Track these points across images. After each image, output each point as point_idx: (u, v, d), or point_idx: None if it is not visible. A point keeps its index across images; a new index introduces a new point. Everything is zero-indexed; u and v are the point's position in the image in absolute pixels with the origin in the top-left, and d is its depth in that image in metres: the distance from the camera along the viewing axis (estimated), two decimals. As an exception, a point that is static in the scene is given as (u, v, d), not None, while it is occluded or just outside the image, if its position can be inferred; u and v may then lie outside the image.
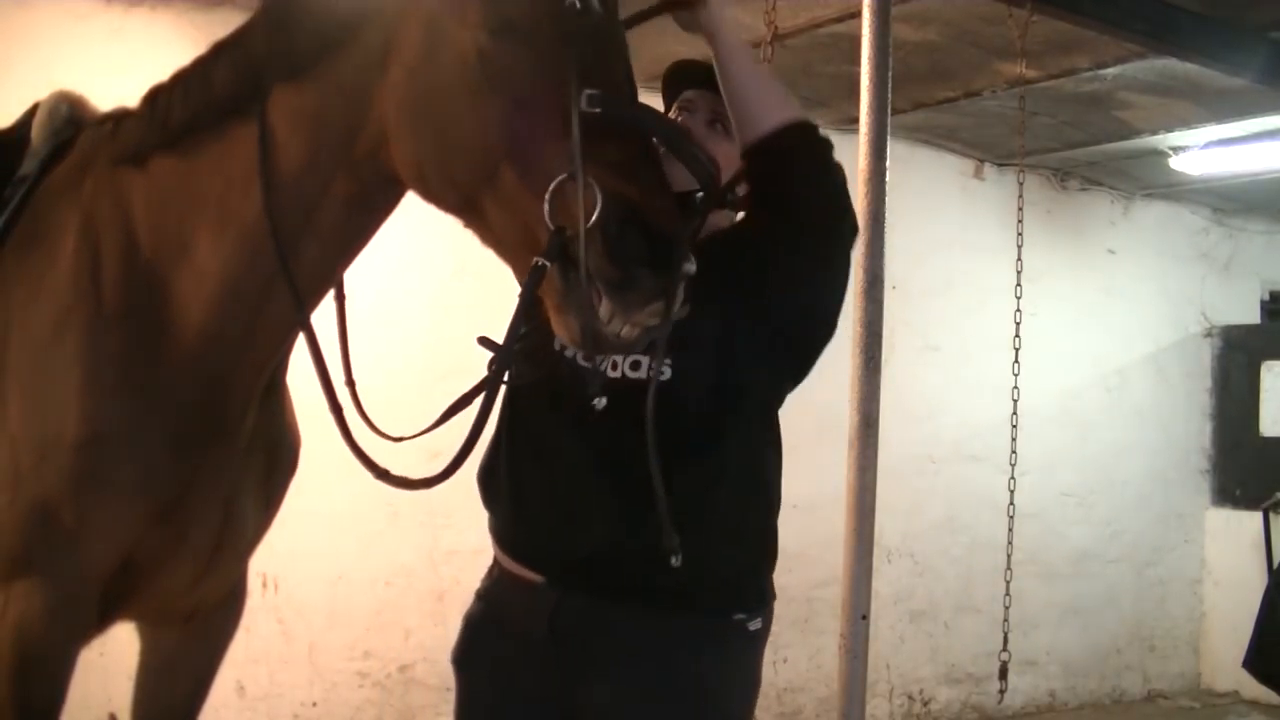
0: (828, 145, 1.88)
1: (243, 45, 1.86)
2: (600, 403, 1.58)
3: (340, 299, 1.99)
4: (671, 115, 2.04)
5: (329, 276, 1.92)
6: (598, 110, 1.47)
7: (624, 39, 1.69)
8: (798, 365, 1.93)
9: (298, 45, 1.78)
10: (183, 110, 1.88)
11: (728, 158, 1.87)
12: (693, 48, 1.99)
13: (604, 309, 1.47)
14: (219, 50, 1.90)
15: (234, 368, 1.93)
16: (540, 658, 1.86)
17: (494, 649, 1.95)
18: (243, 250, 1.84)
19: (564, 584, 1.86)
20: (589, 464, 1.83)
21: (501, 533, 1.98)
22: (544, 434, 1.90)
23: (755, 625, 1.90)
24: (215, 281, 1.87)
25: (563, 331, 1.53)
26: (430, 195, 1.70)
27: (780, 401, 1.98)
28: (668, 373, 1.75)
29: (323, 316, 1.96)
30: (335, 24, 1.75)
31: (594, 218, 1.44)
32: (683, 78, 2.06)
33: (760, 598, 1.94)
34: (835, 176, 1.87)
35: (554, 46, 1.53)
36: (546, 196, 1.48)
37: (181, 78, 1.93)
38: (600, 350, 1.52)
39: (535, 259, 1.49)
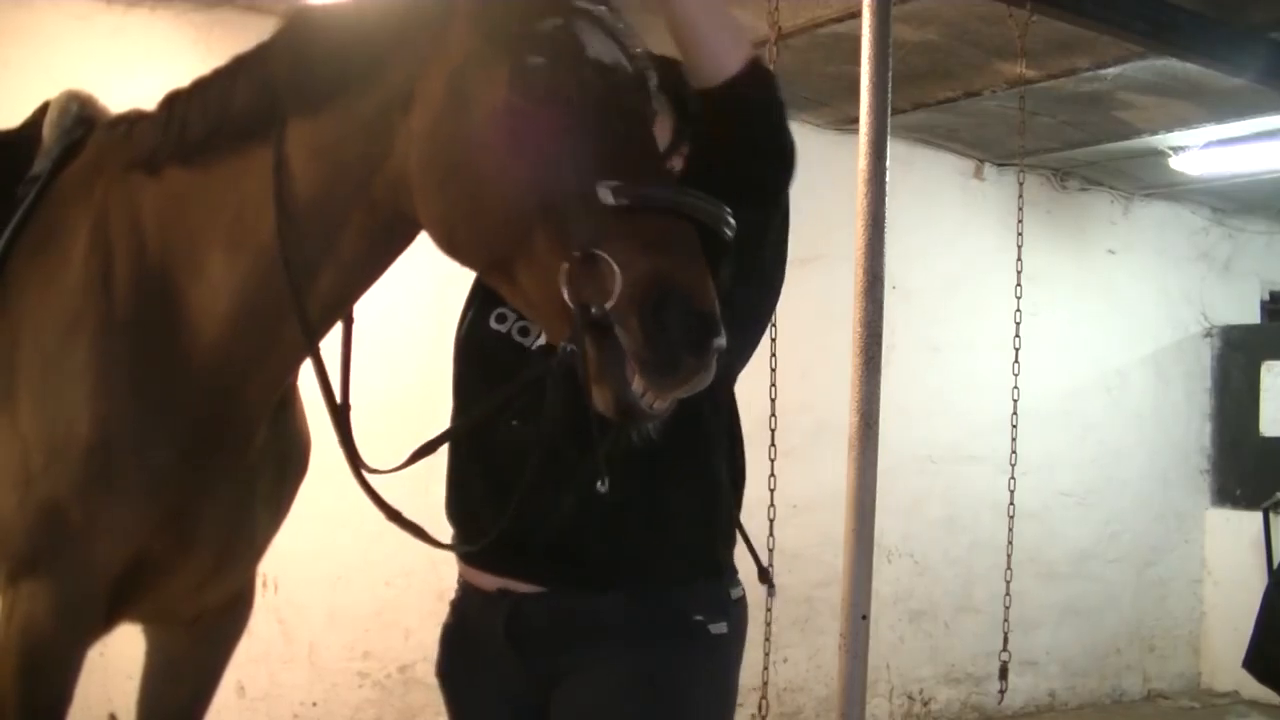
0: (778, 92, 1.79)
1: (262, 67, 1.82)
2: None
3: (348, 322, 1.94)
4: None
5: (344, 304, 1.89)
6: (625, 203, 1.45)
7: (655, 95, 1.66)
8: (743, 332, 1.88)
9: (317, 74, 1.74)
10: (200, 126, 1.86)
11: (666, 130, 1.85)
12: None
13: (638, 384, 1.46)
14: (239, 66, 1.86)
15: (245, 383, 1.91)
16: (506, 665, 1.85)
17: (467, 658, 1.94)
18: (258, 272, 1.82)
19: (514, 574, 1.83)
20: (525, 450, 1.72)
21: (455, 541, 1.94)
22: (482, 426, 1.86)
23: (719, 629, 1.83)
24: (229, 299, 1.85)
25: (597, 400, 1.50)
26: (457, 254, 1.65)
27: (731, 381, 1.93)
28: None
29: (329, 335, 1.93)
30: (357, 57, 1.71)
31: (618, 294, 1.42)
32: None
33: (720, 600, 1.86)
34: (785, 129, 1.80)
35: (586, 107, 1.52)
36: (561, 277, 1.46)
37: (200, 88, 1.90)
38: (633, 421, 1.50)
39: (562, 343, 1.48)
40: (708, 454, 1.87)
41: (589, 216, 1.47)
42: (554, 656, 1.82)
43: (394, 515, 1.81)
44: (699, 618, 1.81)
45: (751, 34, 3.13)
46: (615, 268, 1.43)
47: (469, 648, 1.93)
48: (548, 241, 1.50)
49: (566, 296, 1.46)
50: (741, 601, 1.91)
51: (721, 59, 1.73)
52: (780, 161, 1.79)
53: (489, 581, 1.88)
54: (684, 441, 1.78)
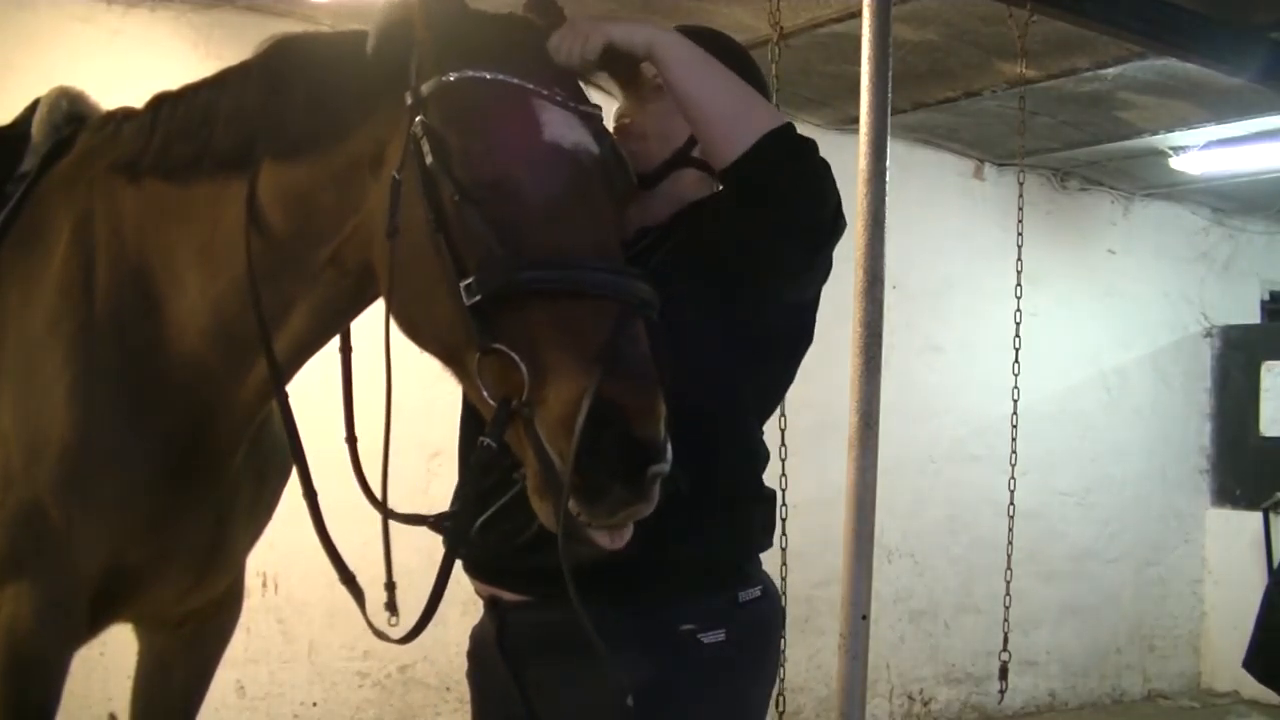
0: (809, 151, 1.68)
1: (242, 97, 1.80)
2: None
3: (346, 350, 1.90)
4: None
5: (317, 344, 1.88)
6: (476, 299, 1.42)
7: (621, 172, 1.60)
8: (777, 371, 1.87)
9: (291, 122, 1.72)
10: (181, 148, 1.85)
11: (676, 116, 1.75)
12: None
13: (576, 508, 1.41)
14: (222, 90, 1.84)
15: (223, 404, 1.90)
16: (499, 672, 1.83)
17: (476, 664, 1.94)
18: (231, 300, 1.80)
19: (501, 583, 1.81)
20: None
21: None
22: (470, 436, 1.82)
23: (714, 637, 1.71)
24: (206, 317, 1.85)
25: (540, 514, 1.46)
26: (415, 337, 1.62)
27: (759, 402, 1.88)
28: None
29: (329, 354, 1.90)
30: (330, 110, 1.69)
31: (550, 409, 1.38)
32: None
33: (719, 606, 1.74)
34: (821, 187, 1.67)
35: (533, 190, 1.47)
36: (474, 370, 1.43)
37: (185, 100, 1.89)
38: (579, 541, 1.44)
39: (481, 438, 1.45)
40: (710, 462, 1.74)
41: (509, 307, 1.43)
42: (540, 667, 1.78)
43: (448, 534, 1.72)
44: (687, 627, 1.71)
45: (752, 34, 3.14)
46: (520, 363, 1.39)
47: (480, 655, 1.91)
48: (466, 336, 1.47)
49: (482, 391, 1.44)
50: (756, 603, 1.80)
51: (730, 142, 1.64)
52: (819, 215, 1.67)
53: (482, 589, 1.87)
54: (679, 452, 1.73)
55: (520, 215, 1.47)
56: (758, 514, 1.88)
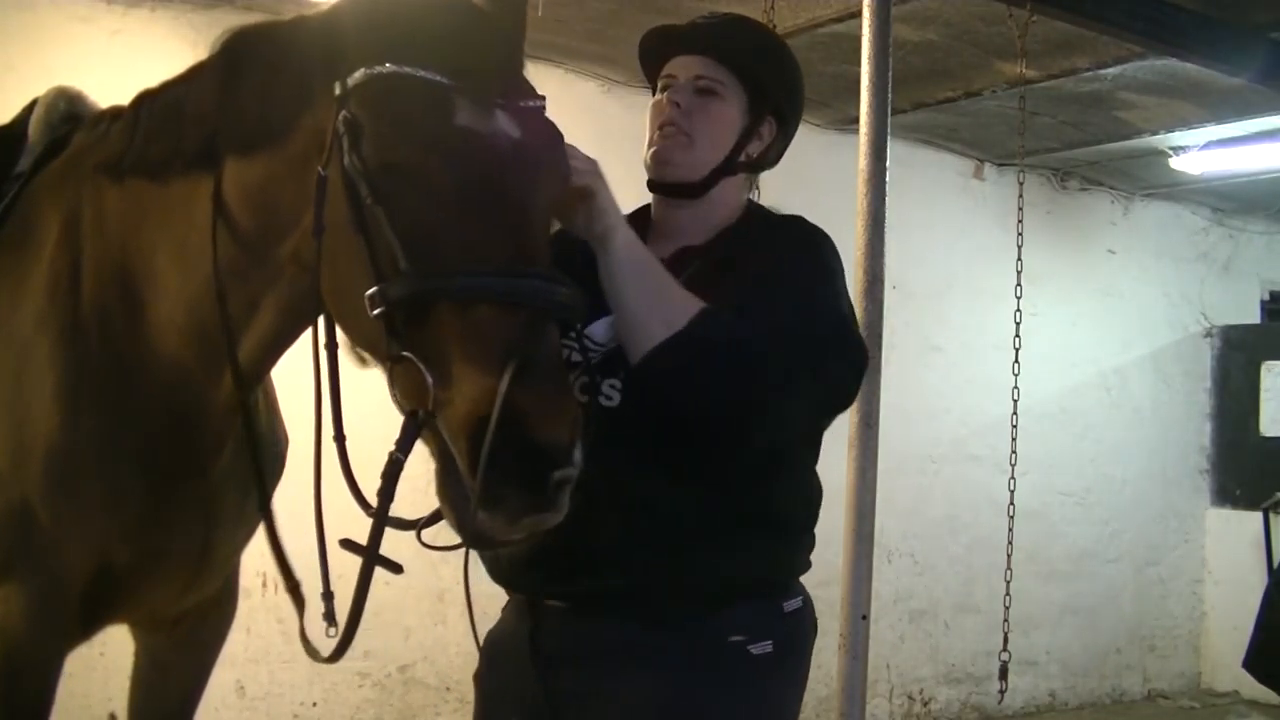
0: (707, 353, 1.60)
1: (202, 92, 1.78)
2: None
3: (332, 348, 1.80)
4: (657, 96, 1.91)
5: (285, 343, 1.86)
6: (380, 310, 1.40)
7: (557, 173, 1.55)
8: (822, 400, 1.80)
9: (245, 118, 1.70)
10: (158, 147, 1.84)
11: (722, 119, 1.83)
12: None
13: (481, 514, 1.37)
14: (190, 83, 1.83)
15: (206, 402, 1.89)
16: (527, 679, 1.80)
17: (497, 668, 1.90)
18: (206, 299, 1.79)
19: (538, 589, 1.79)
20: None
21: (484, 558, 1.88)
22: None
23: (762, 649, 1.71)
24: (184, 318, 1.84)
25: (445, 518, 1.44)
26: (347, 332, 1.60)
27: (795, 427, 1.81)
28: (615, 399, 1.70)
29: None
30: (279, 103, 1.67)
31: (453, 412, 1.35)
32: (661, 48, 1.91)
33: (766, 617, 1.75)
34: (720, 386, 1.60)
35: (441, 181, 1.44)
36: (387, 377, 1.42)
37: (160, 96, 1.88)
38: (485, 547, 1.42)
39: (392, 451, 1.43)
40: (752, 473, 1.74)
41: (417, 315, 1.40)
42: (576, 675, 1.76)
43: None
44: (737, 639, 1.71)
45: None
46: (425, 373, 1.37)
47: (500, 658, 1.88)
48: (377, 338, 1.45)
49: (392, 399, 1.43)
50: (798, 613, 1.81)
51: (647, 338, 1.61)
52: (728, 410, 1.61)
53: (517, 595, 1.86)
54: (714, 463, 1.70)
55: (432, 214, 1.44)
56: (807, 536, 1.87)
